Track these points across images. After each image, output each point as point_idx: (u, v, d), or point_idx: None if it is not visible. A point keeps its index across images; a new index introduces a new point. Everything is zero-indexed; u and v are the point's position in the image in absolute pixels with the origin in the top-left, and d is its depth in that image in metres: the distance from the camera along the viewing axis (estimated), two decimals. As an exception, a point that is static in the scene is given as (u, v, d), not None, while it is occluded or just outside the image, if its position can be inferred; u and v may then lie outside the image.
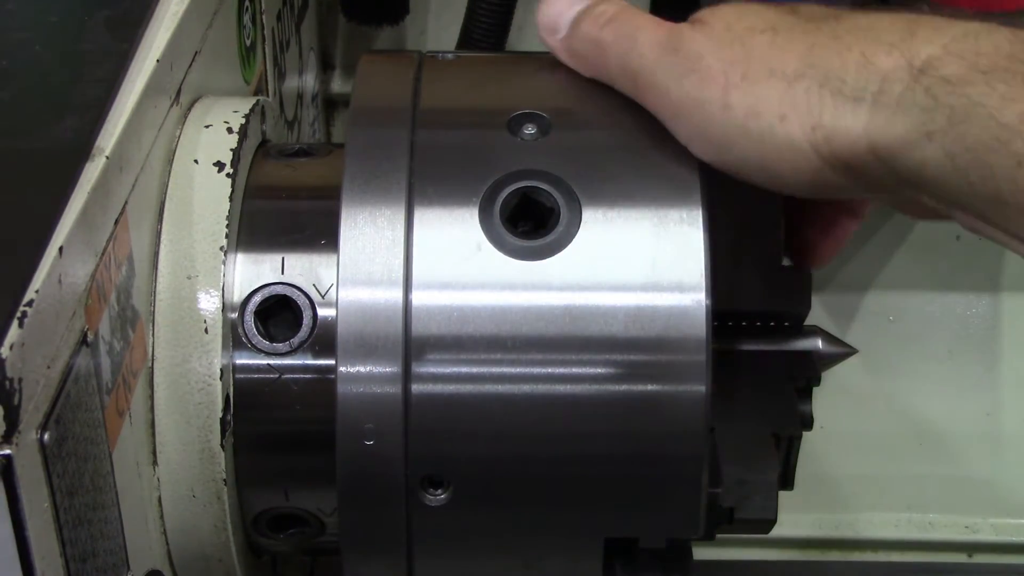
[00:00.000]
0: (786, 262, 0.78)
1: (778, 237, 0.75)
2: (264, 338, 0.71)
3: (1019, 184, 0.56)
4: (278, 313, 0.71)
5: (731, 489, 0.70)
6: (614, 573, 0.71)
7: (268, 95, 0.96)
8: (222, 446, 0.70)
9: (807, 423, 0.76)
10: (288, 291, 0.71)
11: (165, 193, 0.71)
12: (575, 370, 0.66)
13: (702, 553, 0.73)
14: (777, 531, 1.22)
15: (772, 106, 0.63)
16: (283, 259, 0.72)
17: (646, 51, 0.67)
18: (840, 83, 0.62)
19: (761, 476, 0.71)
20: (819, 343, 0.78)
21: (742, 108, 0.64)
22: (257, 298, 0.71)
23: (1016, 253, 0.61)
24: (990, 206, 0.58)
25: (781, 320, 0.77)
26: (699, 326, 0.66)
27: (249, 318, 0.71)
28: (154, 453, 0.70)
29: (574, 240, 0.66)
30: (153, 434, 0.69)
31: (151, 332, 0.69)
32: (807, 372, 0.77)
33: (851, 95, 0.61)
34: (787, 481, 0.75)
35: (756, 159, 0.64)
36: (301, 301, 0.71)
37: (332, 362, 0.65)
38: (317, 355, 0.70)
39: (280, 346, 0.71)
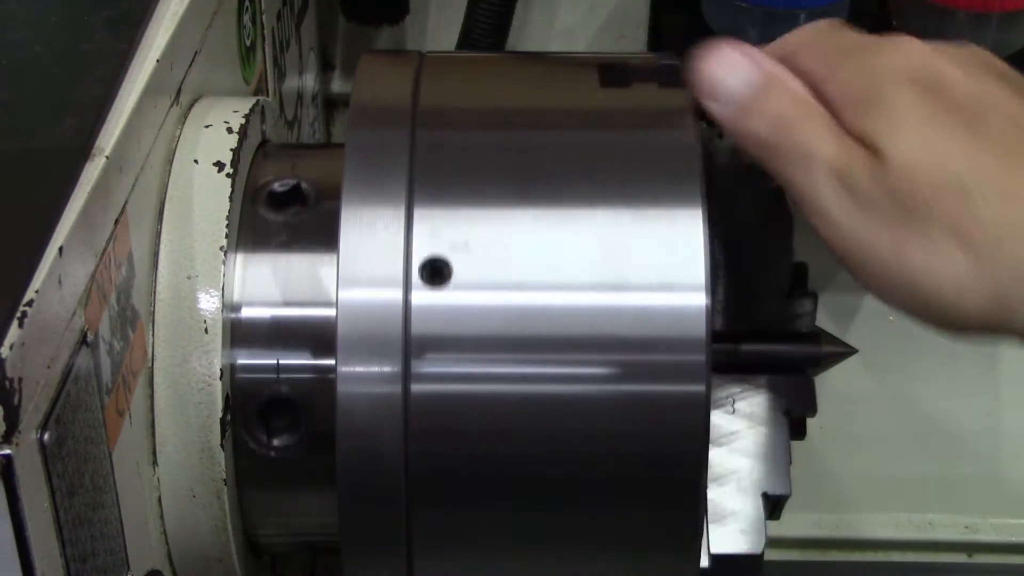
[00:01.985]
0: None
1: (788, 266, 0.74)
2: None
3: None
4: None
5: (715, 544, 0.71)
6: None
7: (268, 95, 0.96)
8: (222, 446, 0.70)
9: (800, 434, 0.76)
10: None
11: (165, 193, 0.71)
12: (575, 370, 0.66)
13: (702, 553, 0.73)
14: (777, 531, 1.22)
15: (951, 278, 0.58)
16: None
17: (818, 176, 0.60)
18: None
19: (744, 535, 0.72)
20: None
21: (915, 269, 0.59)
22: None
23: None
24: None
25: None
26: (699, 326, 0.66)
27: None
28: (154, 453, 0.70)
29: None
30: (153, 434, 0.69)
31: (151, 332, 0.69)
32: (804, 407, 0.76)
33: None
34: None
35: (916, 312, 0.61)
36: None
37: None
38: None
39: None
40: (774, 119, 0.63)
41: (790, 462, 0.74)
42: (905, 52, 0.62)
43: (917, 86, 0.60)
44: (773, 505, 0.73)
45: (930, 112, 0.60)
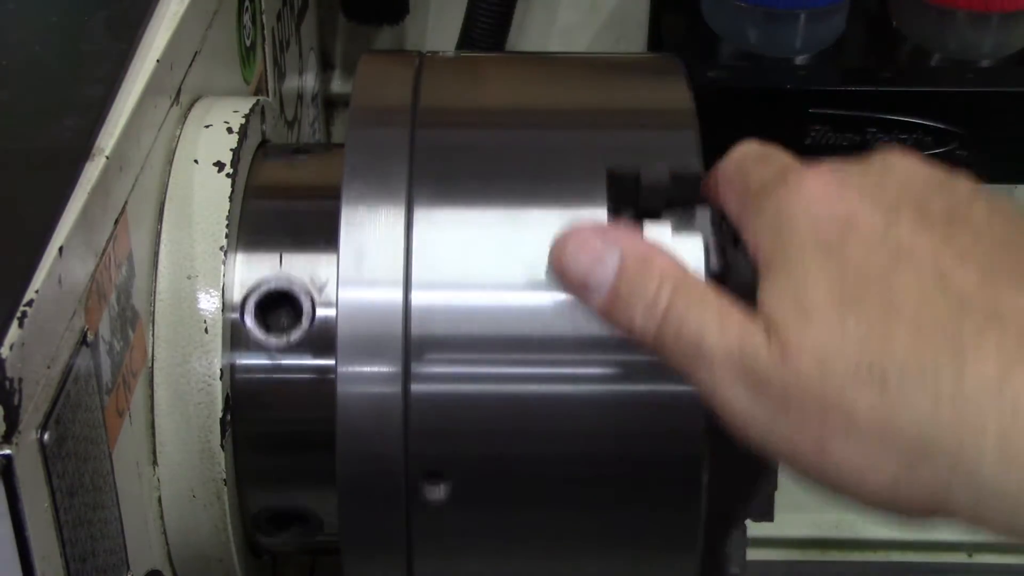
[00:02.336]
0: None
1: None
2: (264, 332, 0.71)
3: None
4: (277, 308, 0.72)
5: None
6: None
7: (268, 95, 0.96)
8: (222, 446, 0.70)
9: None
10: (288, 284, 0.71)
11: (165, 193, 0.71)
12: (575, 370, 0.66)
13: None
14: (777, 531, 1.22)
15: (879, 476, 0.51)
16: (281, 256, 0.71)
17: (718, 370, 0.53)
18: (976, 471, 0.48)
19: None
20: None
21: (841, 469, 0.51)
22: (256, 295, 0.71)
23: None
24: None
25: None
26: (699, 326, 0.65)
27: (250, 313, 0.71)
28: (154, 453, 0.70)
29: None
30: (153, 434, 0.69)
31: (151, 332, 0.69)
32: None
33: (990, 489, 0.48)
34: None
35: (852, 503, 0.54)
36: (301, 293, 0.71)
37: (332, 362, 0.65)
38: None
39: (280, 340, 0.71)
40: (654, 307, 0.55)
41: None
42: (813, 196, 0.53)
43: (820, 250, 0.52)
44: None
45: (829, 279, 0.51)
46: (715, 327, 0.53)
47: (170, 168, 0.72)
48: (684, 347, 0.54)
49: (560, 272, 0.59)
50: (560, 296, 0.66)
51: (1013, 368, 0.47)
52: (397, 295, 0.65)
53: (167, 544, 0.72)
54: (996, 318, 0.48)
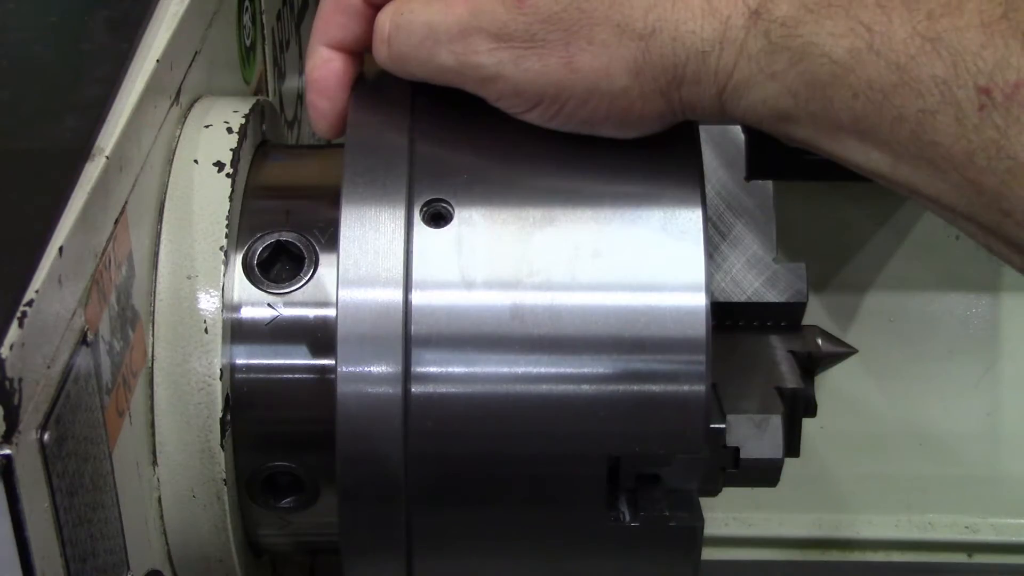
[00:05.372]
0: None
1: (772, 231, 0.75)
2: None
3: (856, 113, 0.59)
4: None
5: (736, 429, 0.70)
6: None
7: (268, 95, 0.96)
8: (222, 446, 0.70)
9: (811, 406, 0.76)
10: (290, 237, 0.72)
11: (165, 193, 0.71)
12: (575, 370, 0.66)
13: (705, 551, 0.73)
14: (777, 531, 1.22)
15: (626, 65, 0.62)
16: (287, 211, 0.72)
17: (456, 49, 0.64)
18: (691, 36, 0.61)
19: (765, 416, 0.71)
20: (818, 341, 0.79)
21: (592, 70, 0.63)
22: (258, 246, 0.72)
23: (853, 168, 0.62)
24: (830, 135, 0.61)
25: (779, 318, 0.77)
26: (699, 326, 0.66)
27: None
28: (154, 453, 0.70)
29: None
30: (153, 434, 0.69)
31: (151, 332, 0.69)
32: (806, 347, 0.77)
33: (701, 48, 0.61)
34: (792, 446, 0.75)
35: (603, 114, 0.64)
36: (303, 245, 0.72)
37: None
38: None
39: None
40: (384, 35, 0.66)
41: None
42: None
43: None
44: None
45: None
46: (440, 14, 0.64)
47: (170, 168, 0.72)
48: (419, 44, 0.65)
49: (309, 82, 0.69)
50: (559, 297, 0.66)
51: None
52: (397, 295, 0.65)
53: (167, 544, 0.72)
54: None
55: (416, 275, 0.66)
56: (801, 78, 0.60)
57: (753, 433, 0.71)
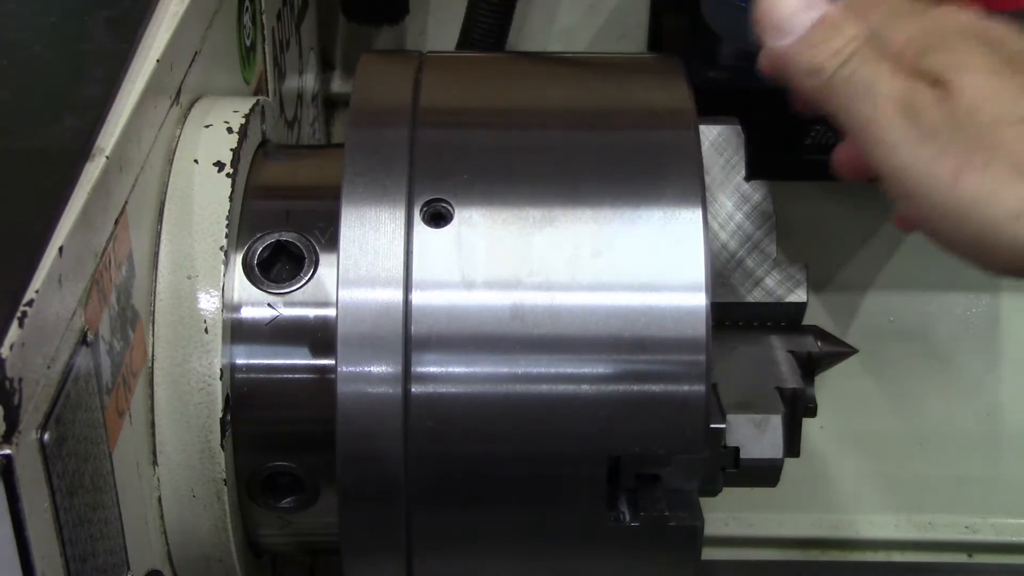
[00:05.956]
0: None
1: (772, 229, 0.75)
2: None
3: None
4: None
5: (736, 429, 0.70)
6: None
7: (268, 95, 0.96)
8: (222, 446, 0.70)
9: (811, 406, 0.76)
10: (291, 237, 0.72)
11: (165, 193, 0.71)
12: (575, 370, 0.66)
13: (705, 551, 0.73)
14: (777, 531, 1.22)
15: (1009, 203, 0.60)
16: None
17: (882, 106, 0.63)
18: None
19: (765, 416, 0.71)
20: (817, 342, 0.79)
21: (972, 195, 0.61)
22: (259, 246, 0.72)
23: None
24: None
25: (779, 318, 0.78)
26: (699, 326, 0.66)
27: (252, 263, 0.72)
28: (154, 453, 0.70)
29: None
30: (153, 434, 0.69)
31: (151, 332, 0.69)
32: (806, 347, 0.78)
33: None
34: (793, 446, 0.75)
35: (965, 243, 0.62)
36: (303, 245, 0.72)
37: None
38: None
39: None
40: (840, 54, 0.65)
41: None
42: (961, 14, 0.66)
43: (978, 40, 0.64)
44: None
45: (992, 59, 0.63)
46: (887, 75, 0.64)
47: (170, 168, 0.72)
48: (854, 87, 0.64)
49: (765, 11, 0.68)
50: (559, 296, 0.66)
51: None
52: (397, 295, 0.65)
53: (167, 544, 0.72)
54: None
55: (416, 275, 0.66)
56: None
57: (753, 433, 0.71)
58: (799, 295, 0.78)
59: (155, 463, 0.70)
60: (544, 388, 0.66)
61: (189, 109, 0.76)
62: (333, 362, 0.65)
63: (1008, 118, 0.61)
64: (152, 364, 0.69)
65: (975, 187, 0.61)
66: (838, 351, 0.80)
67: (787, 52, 0.67)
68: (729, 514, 1.23)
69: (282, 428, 0.73)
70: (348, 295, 0.65)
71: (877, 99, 0.63)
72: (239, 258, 0.72)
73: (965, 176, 0.61)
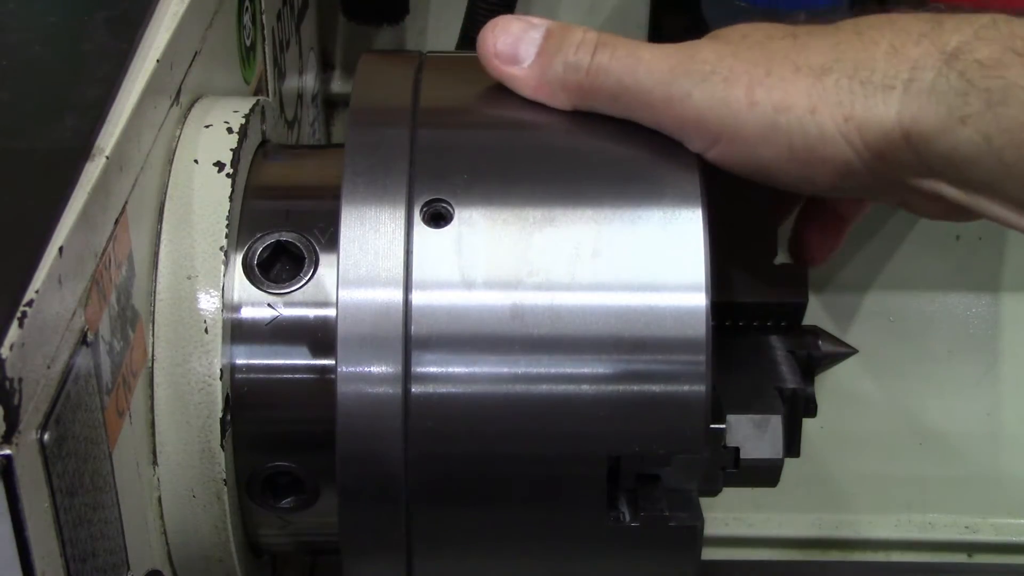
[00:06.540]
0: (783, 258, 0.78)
1: (774, 232, 0.75)
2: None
3: None
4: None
5: (736, 429, 0.70)
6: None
7: (268, 95, 0.96)
8: (222, 446, 0.70)
9: (811, 406, 0.76)
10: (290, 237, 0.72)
11: (165, 193, 0.71)
12: (575, 370, 0.66)
13: (705, 551, 0.73)
14: (777, 531, 1.22)
15: (801, 99, 0.63)
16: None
17: (657, 66, 0.65)
18: (870, 72, 0.62)
19: (765, 416, 0.71)
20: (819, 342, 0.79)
21: (770, 103, 0.63)
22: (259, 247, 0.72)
23: None
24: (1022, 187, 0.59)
25: (779, 318, 0.78)
26: (699, 326, 0.66)
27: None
28: (154, 453, 0.70)
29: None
30: (153, 434, 0.69)
31: (151, 332, 0.69)
32: (806, 347, 0.78)
33: (882, 83, 0.61)
34: (793, 446, 0.75)
35: (786, 155, 0.64)
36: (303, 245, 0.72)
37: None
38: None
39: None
40: (586, 43, 0.67)
41: None
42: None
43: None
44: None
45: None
46: (648, 46, 0.66)
47: (170, 168, 0.72)
48: (620, 62, 0.66)
49: (491, 56, 0.69)
50: (559, 297, 0.66)
51: None
52: (397, 295, 0.65)
53: (167, 544, 0.72)
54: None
55: (416, 275, 0.66)
56: (998, 122, 0.58)
57: (753, 433, 0.71)
58: (799, 295, 0.78)
59: (155, 463, 0.70)
60: (544, 388, 0.66)
61: (189, 109, 0.76)
62: (333, 362, 0.65)
63: (776, 34, 0.65)
64: (152, 364, 0.69)
65: (768, 95, 0.63)
66: (838, 351, 0.80)
67: (537, 69, 0.68)
68: (729, 514, 1.23)
69: (282, 428, 0.73)
70: (348, 295, 0.65)
71: (650, 64, 0.65)
72: (239, 258, 0.72)
73: (756, 90, 0.63)
